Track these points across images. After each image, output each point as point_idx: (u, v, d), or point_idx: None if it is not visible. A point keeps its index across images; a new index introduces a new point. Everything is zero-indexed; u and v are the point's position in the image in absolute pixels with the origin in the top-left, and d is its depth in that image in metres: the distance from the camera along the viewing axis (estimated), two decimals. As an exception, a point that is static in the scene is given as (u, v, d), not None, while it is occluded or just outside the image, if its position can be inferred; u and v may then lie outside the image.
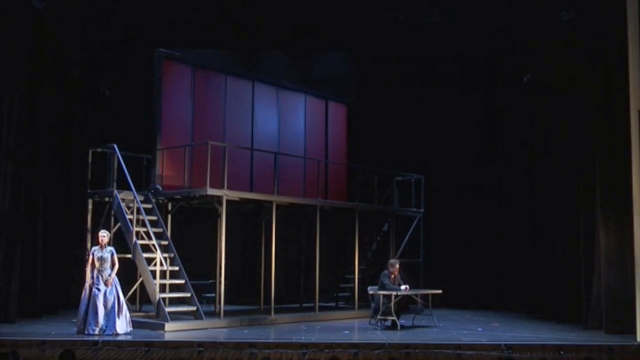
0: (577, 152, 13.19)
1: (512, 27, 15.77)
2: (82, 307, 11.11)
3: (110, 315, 11.06)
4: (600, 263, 12.17)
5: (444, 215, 17.14)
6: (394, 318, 12.59)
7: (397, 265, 13.29)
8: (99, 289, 11.15)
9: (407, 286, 13.15)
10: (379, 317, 12.82)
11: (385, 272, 13.16)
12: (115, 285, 11.25)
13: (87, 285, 11.25)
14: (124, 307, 11.28)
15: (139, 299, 13.63)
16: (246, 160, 15.12)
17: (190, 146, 13.98)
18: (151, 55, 14.11)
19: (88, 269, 11.36)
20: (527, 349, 10.13)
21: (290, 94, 16.62)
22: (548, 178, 14.48)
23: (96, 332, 10.92)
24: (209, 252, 14.05)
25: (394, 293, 12.69)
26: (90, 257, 11.37)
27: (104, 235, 11.38)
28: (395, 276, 13.15)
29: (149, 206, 13.26)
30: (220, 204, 12.90)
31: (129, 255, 12.55)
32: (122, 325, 11.12)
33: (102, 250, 11.28)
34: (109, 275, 11.23)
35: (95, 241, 11.60)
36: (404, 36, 16.96)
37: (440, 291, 14.01)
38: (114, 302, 11.12)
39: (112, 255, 11.30)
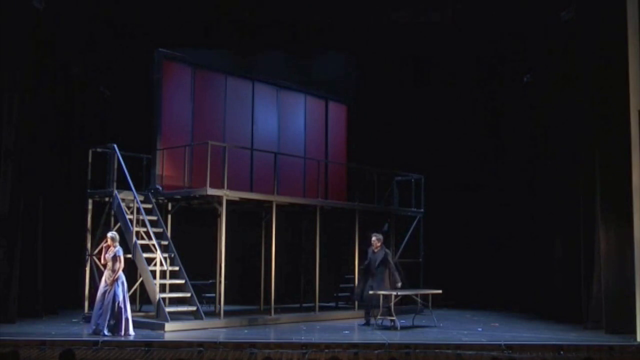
0: (577, 152, 13.20)
1: (512, 27, 15.78)
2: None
3: (105, 316, 11.01)
4: (600, 263, 12.17)
5: (444, 215, 17.13)
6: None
7: (374, 239, 13.27)
8: (103, 289, 11.18)
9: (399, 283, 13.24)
10: (379, 316, 12.84)
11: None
12: (115, 288, 11.11)
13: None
14: (124, 310, 11.06)
15: (139, 299, 13.64)
16: (246, 160, 15.12)
17: (190, 146, 13.98)
18: (151, 55, 14.11)
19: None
20: (527, 349, 10.14)
21: (290, 94, 16.62)
22: (548, 178, 14.49)
23: (91, 332, 10.98)
24: (209, 252, 14.04)
25: (394, 293, 12.71)
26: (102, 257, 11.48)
27: (110, 236, 11.38)
28: (375, 252, 13.17)
29: (149, 206, 13.26)
30: (220, 204, 12.90)
31: (129, 255, 12.54)
32: (118, 329, 10.95)
33: (109, 251, 11.28)
34: (109, 276, 11.22)
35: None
36: (404, 36, 16.98)
37: (440, 291, 14.01)
38: (109, 303, 11.06)
39: (113, 256, 11.26)
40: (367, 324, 13.05)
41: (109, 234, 11.48)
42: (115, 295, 11.09)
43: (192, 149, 13.99)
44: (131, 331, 11.09)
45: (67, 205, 14.49)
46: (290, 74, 17.35)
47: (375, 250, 13.21)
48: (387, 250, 13.35)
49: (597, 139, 12.34)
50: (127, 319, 11.08)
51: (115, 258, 11.20)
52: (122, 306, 11.06)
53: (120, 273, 11.20)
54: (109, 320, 10.99)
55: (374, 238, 13.31)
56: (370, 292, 13.27)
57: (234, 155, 14.15)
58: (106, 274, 11.27)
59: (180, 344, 10.22)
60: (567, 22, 13.44)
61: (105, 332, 10.89)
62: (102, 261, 11.42)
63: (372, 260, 13.18)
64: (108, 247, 11.31)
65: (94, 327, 11.06)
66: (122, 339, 10.68)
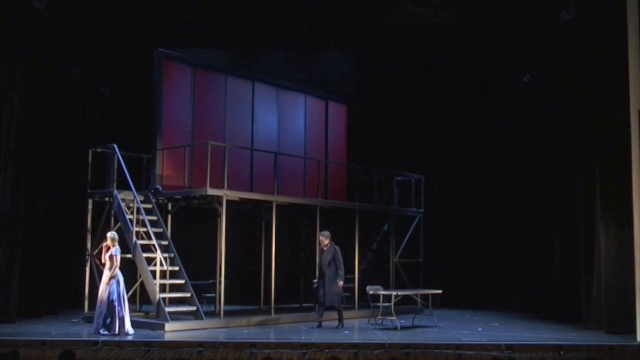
0: (577, 152, 13.19)
1: (512, 27, 15.78)
2: None
3: (102, 315, 11.05)
4: (600, 263, 12.17)
5: (444, 215, 17.13)
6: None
7: (322, 237, 12.99)
8: (102, 289, 11.20)
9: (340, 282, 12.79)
10: (379, 316, 12.84)
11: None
12: (110, 286, 11.12)
13: None
14: (118, 309, 11.05)
15: (139, 299, 13.64)
16: (246, 160, 15.12)
17: (190, 146, 13.98)
18: (151, 55, 14.11)
19: None
20: (527, 349, 10.14)
21: (290, 94, 16.62)
22: (548, 178, 14.49)
23: (93, 332, 11.03)
24: (209, 252, 14.05)
25: (391, 292, 12.70)
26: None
27: (109, 236, 11.39)
28: (324, 251, 12.87)
29: (149, 206, 13.26)
30: (220, 204, 12.90)
31: (129, 255, 12.55)
32: (113, 326, 10.96)
33: (108, 251, 11.29)
34: (107, 276, 11.23)
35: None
36: (404, 36, 16.98)
37: (440, 291, 14.02)
38: (105, 302, 11.07)
39: (110, 255, 11.27)
40: (320, 325, 12.71)
41: (109, 234, 11.49)
42: (109, 294, 11.11)
43: (192, 149, 13.99)
44: (128, 330, 11.09)
45: (67, 205, 14.49)
46: (290, 74, 17.37)
47: (325, 249, 12.93)
48: (337, 247, 12.97)
49: (597, 139, 12.34)
50: (121, 317, 11.06)
51: (111, 258, 11.21)
52: (116, 304, 11.05)
53: (117, 272, 11.21)
54: (104, 319, 11.03)
55: (321, 237, 13.01)
56: (371, 291, 13.27)
57: (234, 155, 14.15)
58: (105, 273, 11.29)
59: (180, 344, 10.23)
60: (567, 22, 13.44)
61: (101, 332, 10.91)
62: (102, 261, 11.44)
63: (322, 260, 12.90)
64: (108, 247, 11.32)
65: (94, 326, 11.14)
66: (122, 338, 10.67)
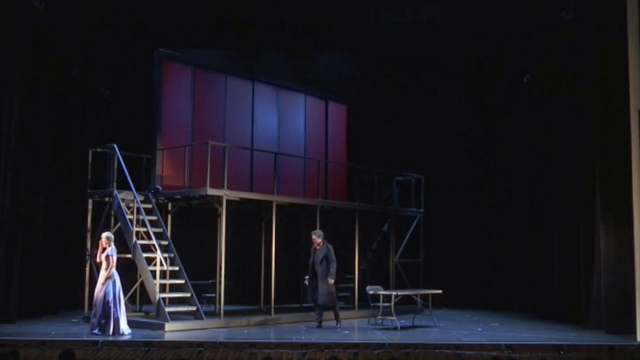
0: (577, 152, 13.20)
1: (512, 27, 15.78)
2: None
3: (97, 315, 11.06)
4: (600, 263, 12.17)
5: (444, 215, 17.13)
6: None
7: (314, 236, 12.96)
8: (98, 289, 11.21)
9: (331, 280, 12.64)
10: (379, 316, 12.84)
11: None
12: (106, 287, 11.13)
13: None
14: (114, 309, 11.05)
15: (139, 299, 13.64)
16: (246, 160, 15.12)
17: (190, 146, 13.98)
18: (151, 55, 14.12)
19: None
20: (527, 349, 10.14)
21: (290, 94, 16.62)
22: (548, 178, 14.50)
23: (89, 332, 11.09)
24: (209, 252, 14.04)
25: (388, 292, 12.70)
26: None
27: (105, 236, 11.39)
28: (316, 250, 12.79)
29: (149, 206, 13.26)
30: (220, 204, 12.91)
31: (129, 255, 12.55)
32: (107, 327, 10.95)
33: (104, 251, 11.30)
34: (103, 276, 11.23)
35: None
36: (404, 36, 16.98)
37: (440, 291, 14.01)
38: (100, 302, 11.08)
39: (106, 256, 11.28)
40: (319, 325, 12.65)
41: (104, 234, 11.47)
42: (105, 294, 11.11)
43: (192, 149, 13.99)
44: (124, 330, 11.07)
45: (67, 205, 14.49)
46: (290, 74, 17.37)
47: (318, 248, 12.85)
48: (329, 246, 12.90)
49: (597, 139, 12.35)
50: (117, 318, 11.05)
51: (107, 258, 11.22)
52: (112, 305, 11.05)
53: (114, 272, 11.21)
54: (99, 319, 11.03)
55: (314, 236, 12.95)
56: (371, 291, 13.27)
57: (234, 155, 14.15)
58: (101, 273, 11.30)
59: (180, 344, 10.23)
60: (567, 22, 13.44)
61: (96, 332, 10.92)
62: (97, 260, 11.44)
63: (314, 258, 12.81)
64: (103, 247, 11.32)
65: (90, 326, 11.17)
66: (117, 338, 10.66)
